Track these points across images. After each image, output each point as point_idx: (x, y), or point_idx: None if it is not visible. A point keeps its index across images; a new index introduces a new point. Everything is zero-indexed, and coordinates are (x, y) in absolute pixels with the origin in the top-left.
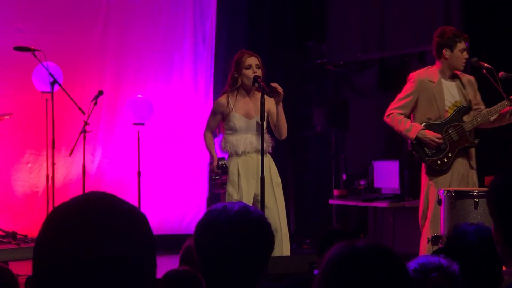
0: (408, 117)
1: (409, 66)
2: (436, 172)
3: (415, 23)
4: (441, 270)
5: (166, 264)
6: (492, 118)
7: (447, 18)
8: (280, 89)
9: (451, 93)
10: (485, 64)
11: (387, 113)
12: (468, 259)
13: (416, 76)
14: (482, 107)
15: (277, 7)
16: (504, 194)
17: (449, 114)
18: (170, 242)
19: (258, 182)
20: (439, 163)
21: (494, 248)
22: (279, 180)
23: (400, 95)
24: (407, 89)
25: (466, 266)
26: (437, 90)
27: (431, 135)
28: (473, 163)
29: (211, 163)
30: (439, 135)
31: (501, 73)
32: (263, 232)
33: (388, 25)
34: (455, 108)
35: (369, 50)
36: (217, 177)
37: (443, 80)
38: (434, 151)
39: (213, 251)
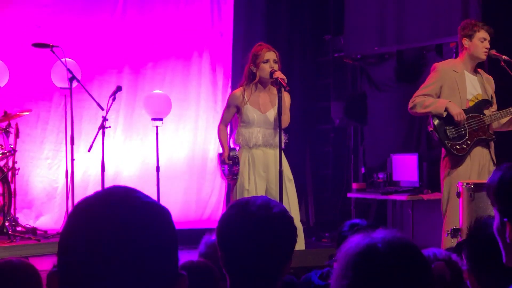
0: None
1: (427, 59)
2: (455, 162)
3: (433, 15)
4: (446, 260)
5: (185, 258)
6: (505, 119)
7: (465, 10)
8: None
9: (473, 86)
10: (503, 56)
11: (410, 101)
12: (489, 252)
13: (440, 66)
14: (495, 107)
15: (294, 0)
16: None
17: (470, 105)
18: (190, 236)
19: (269, 175)
20: (458, 147)
21: None
22: (291, 175)
23: (424, 84)
24: (431, 77)
25: (487, 259)
26: (460, 80)
27: (462, 110)
28: (494, 158)
29: (221, 154)
30: (465, 117)
31: None
32: (286, 226)
33: (405, 18)
34: (477, 100)
35: (386, 43)
36: (223, 168)
37: (466, 72)
38: (455, 135)
39: (236, 246)
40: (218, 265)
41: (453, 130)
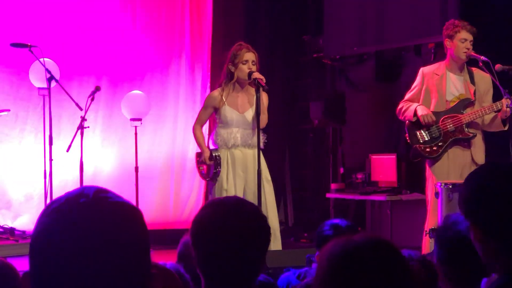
0: None
1: (406, 59)
2: (434, 164)
3: (411, 16)
4: (421, 260)
5: (164, 259)
6: (487, 117)
7: (443, 11)
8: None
9: (455, 86)
10: (481, 57)
11: (397, 107)
12: (458, 248)
13: (422, 70)
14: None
15: (274, 1)
16: (478, 188)
17: (451, 106)
18: (169, 237)
19: (247, 176)
20: (428, 150)
21: None
22: (269, 176)
23: (408, 90)
24: (414, 82)
25: (456, 255)
26: (440, 82)
27: (429, 112)
28: (478, 158)
29: (199, 155)
30: (433, 116)
31: (497, 66)
32: (259, 224)
33: (384, 19)
34: (458, 100)
35: (365, 44)
36: (201, 168)
37: (449, 73)
38: (427, 138)
39: (210, 246)
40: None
41: (425, 132)
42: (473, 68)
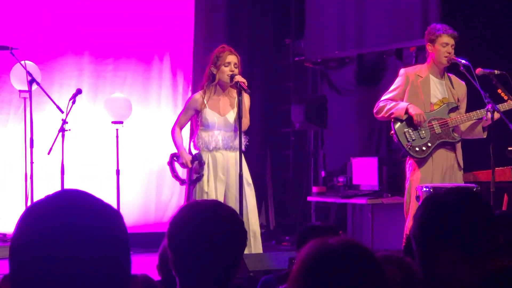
0: None
1: (387, 63)
2: (417, 165)
3: (393, 20)
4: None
5: (146, 262)
6: (464, 124)
7: (424, 14)
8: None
9: (438, 90)
10: (462, 61)
11: (375, 105)
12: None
13: (405, 70)
14: (463, 113)
15: (255, 4)
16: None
17: (435, 108)
18: (150, 240)
19: (229, 179)
20: (417, 149)
21: None
22: (250, 179)
23: (388, 89)
24: (396, 82)
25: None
26: (424, 84)
27: (422, 112)
28: (461, 162)
29: (175, 156)
30: (426, 118)
31: (478, 70)
32: (236, 228)
33: (366, 22)
34: (442, 104)
35: (347, 47)
36: (174, 172)
37: (431, 76)
38: (415, 138)
39: (186, 248)
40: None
41: (413, 132)
42: (450, 75)
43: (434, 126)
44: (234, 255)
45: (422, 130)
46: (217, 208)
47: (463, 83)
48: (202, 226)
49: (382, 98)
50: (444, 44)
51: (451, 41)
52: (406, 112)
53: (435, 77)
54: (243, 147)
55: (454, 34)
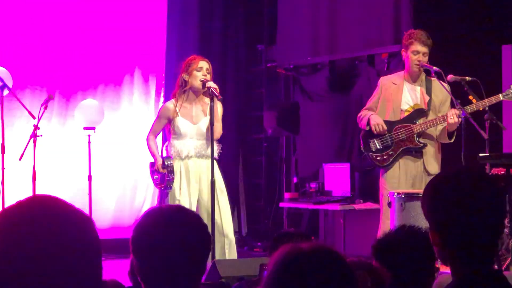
0: None
1: (359, 69)
2: (385, 173)
3: (365, 26)
4: (368, 267)
5: (118, 268)
6: (439, 128)
7: (396, 22)
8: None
9: (411, 96)
10: (434, 67)
11: (358, 116)
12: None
13: (381, 79)
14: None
15: (228, 10)
16: (435, 194)
17: (405, 115)
18: (123, 246)
19: (201, 186)
20: (378, 159)
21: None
22: (223, 186)
23: (369, 98)
24: (374, 91)
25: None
26: (397, 91)
27: (381, 121)
28: (431, 168)
29: (153, 164)
30: (384, 125)
31: (450, 76)
32: (199, 232)
33: (338, 28)
34: (412, 110)
35: (319, 53)
36: (156, 177)
37: (406, 83)
38: (379, 147)
39: (149, 254)
40: None
41: (378, 141)
42: (433, 78)
43: (400, 133)
44: (199, 259)
45: (387, 138)
46: (179, 213)
47: (447, 86)
48: (164, 231)
49: (362, 109)
50: (415, 52)
51: (423, 49)
52: (368, 123)
53: (409, 83)
54: (216, 155)
55: (428, 41)
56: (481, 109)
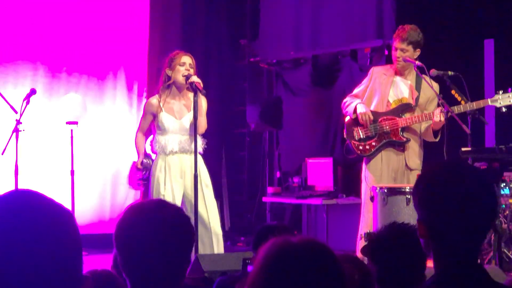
0: None
1: (342, 64)
2: (367, 165)
3: (348, 21)
4: (355, 261)
5: (101, 263)
6: (424, 126)
7: (379, 17)
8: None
9: (400, 89)
10: (416, 62)
11: (343, 101)
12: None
13: (373, 68)
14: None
15: (210, 5)
16: (425, 186)
17: (392, 107)
18: (105, 241)
19: (186, 181)
20: (360, 148)
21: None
22: (209, 181)
23: (357, 85)
24: (364, 79)
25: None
26: (386, 82)
27: (368, 111)
28: (412, 163)
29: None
30: (371, 115)
31: (432, 70)
32: (182, 225)
33: (321, 23)
34: (399, 103)
35: (302, 48)
36: (138, 174)
37: (396, 76)
38: (363, 136)
39: (133, 249)
40: None
41: (362, 130)
42: (424, 75)
43: (384, 125)
44: (182, 253)
45: (371, 128)
46: (161, 207)
47: (436, 84)
48: (147, 226)
49: (348, 95)
50: (395, 48)
51: (401, 46)
52: (355, 111)
53: (400, 76)
54: (201, 150)
55: (408, 38)
56: (468, 110)
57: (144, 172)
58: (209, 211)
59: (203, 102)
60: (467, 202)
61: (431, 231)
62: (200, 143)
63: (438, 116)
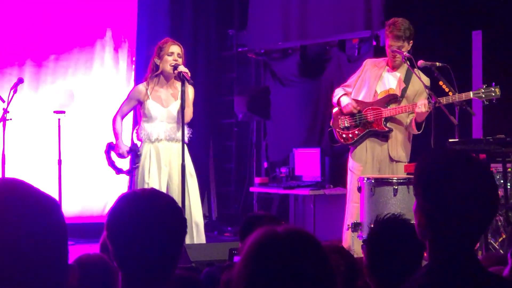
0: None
1: (330, 54)
2: (352, 154)
3: (336, 11)
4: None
5: (87, 251)
6: (409, 118)
7: (368, 7)
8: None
9: (389, 81)
10: (404, 53)
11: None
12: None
13: (366, 60)
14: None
15: None
16: (428, 175)
17: (378, 98)
18: (92, 230)
19: (171, 170)
20: (344, 136)
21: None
22: (193, 170)
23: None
24: (357, 70)
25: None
26: (375, 74)
27: (352, 102)
28: (395, 154)
29: (112, 146)
30: (356, 106)
31: (420, 62)
32: (175, 216)
33: (309, 13)
34: (386, 94)
35: (290, 38)
36: (110, 161)
37: (386, 68)
38: (347, 125)
39: (125, 238)
40: None
41: (347, 120)
42: (415, 69)
43: (368, 114)
44: (175, 243)
45: (356, 118)
46: (154, 197)
47: (427, 78)
48: (139, 215)
49: (340, 86)
50: (389, 45)
51: (397, 44)
52: (339, 103)
53: (391, 69)
54: (186, 139)
55: (402, 35)
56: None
57: (136, 160)
58: (192, 200)
59: (190, 91)
60: (470, 193)
61: (430, 221)
62: (186, 132)
63: (421, 108)
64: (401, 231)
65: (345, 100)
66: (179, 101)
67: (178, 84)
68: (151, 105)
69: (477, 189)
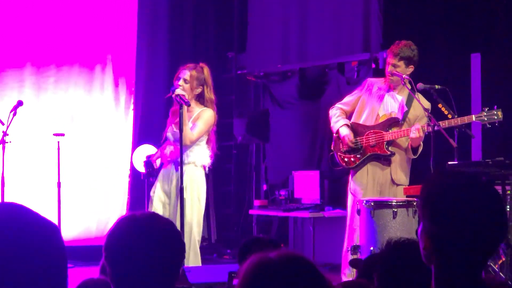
0: (350, 115)
1: (329, 77)
2: (353, 177)
3: (335, 34)
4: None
5: (87, 275)
6: (407, 142)
7: (366, 30)
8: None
9: (390, 104)
10: (404, 75)
11: (330, 109)
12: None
13: (368, 80)
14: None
15: (198, 17)
16: (435, 198)
17: (380, 121)
18: (92, 253)
19: (172, 191)
20: (346, 160)
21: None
22: (203, 196)
23: (348, 94)
24: (356, 88)
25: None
26: (377, 96)
27: (350, 135)
28: (398, 178)
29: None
30: (353, 140)
31: (419, 84)
32: (173, 240)
33: (308, 36)
34: (387, 117)
35: (289, 61)
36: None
37: (390, 91)
38: (348, 149)
39: (123, 262)
40: None
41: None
42: (416, 94)
43: (370, 138)
44: (172, 267)
45: (357, 142)
46: (153, 220)
47: (428, 103)
48: (138, 239)
49: (338, 103)
50: (388, 64)
51: (393, 61)
52: (337, 132)
53: (393, 91)
54: (209, 163)
55: (400, 55)
56: (454, 124)
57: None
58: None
59: (207, 113)
60: (478, 217)
61: (436, 244)
62: (207, 157)
63: (415, 133)
64: (414, 254)
65: (343, 132)
66: (190, 124)
67: (197, 107)
68: (169, 128)
69: (487, 213)
